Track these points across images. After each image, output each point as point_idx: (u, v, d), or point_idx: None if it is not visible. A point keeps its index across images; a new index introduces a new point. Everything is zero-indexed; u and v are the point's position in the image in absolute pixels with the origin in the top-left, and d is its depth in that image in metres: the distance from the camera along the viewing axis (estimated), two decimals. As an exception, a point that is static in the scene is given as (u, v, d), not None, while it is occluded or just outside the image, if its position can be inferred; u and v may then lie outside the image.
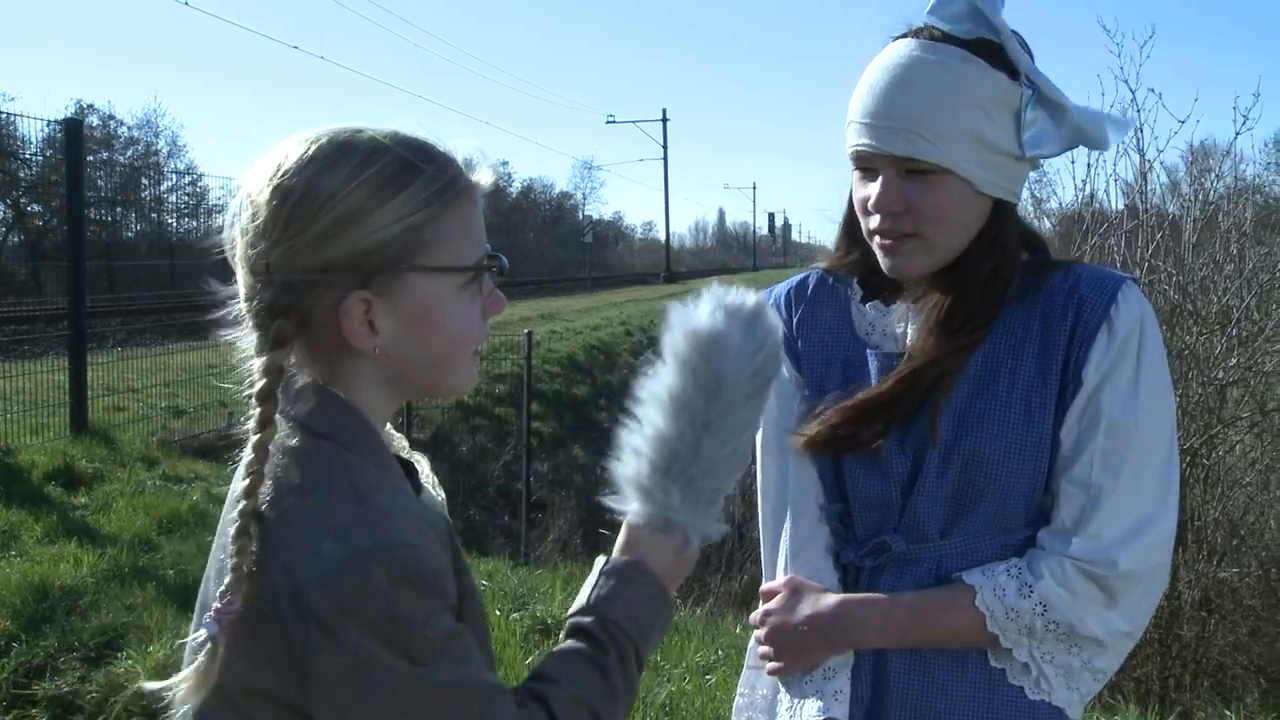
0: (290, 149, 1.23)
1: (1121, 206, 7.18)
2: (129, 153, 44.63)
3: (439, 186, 1.24)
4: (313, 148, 1.23)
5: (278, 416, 1.23)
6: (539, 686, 1.31)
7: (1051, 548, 1.58)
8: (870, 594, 1.68)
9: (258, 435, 1.20)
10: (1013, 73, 1.59)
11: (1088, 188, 6.75)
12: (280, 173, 1.21)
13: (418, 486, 1.39)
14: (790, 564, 1.75)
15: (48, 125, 10.59)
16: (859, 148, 1.62)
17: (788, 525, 1.77)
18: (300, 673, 1.12)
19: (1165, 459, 1.58)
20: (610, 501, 1.48)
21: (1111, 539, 1.54)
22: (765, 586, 1.78)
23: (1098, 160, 6.74)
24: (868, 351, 1.73)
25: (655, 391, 1.45)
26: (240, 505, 1.18)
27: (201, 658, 1.18)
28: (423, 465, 1.46)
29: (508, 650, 4.73)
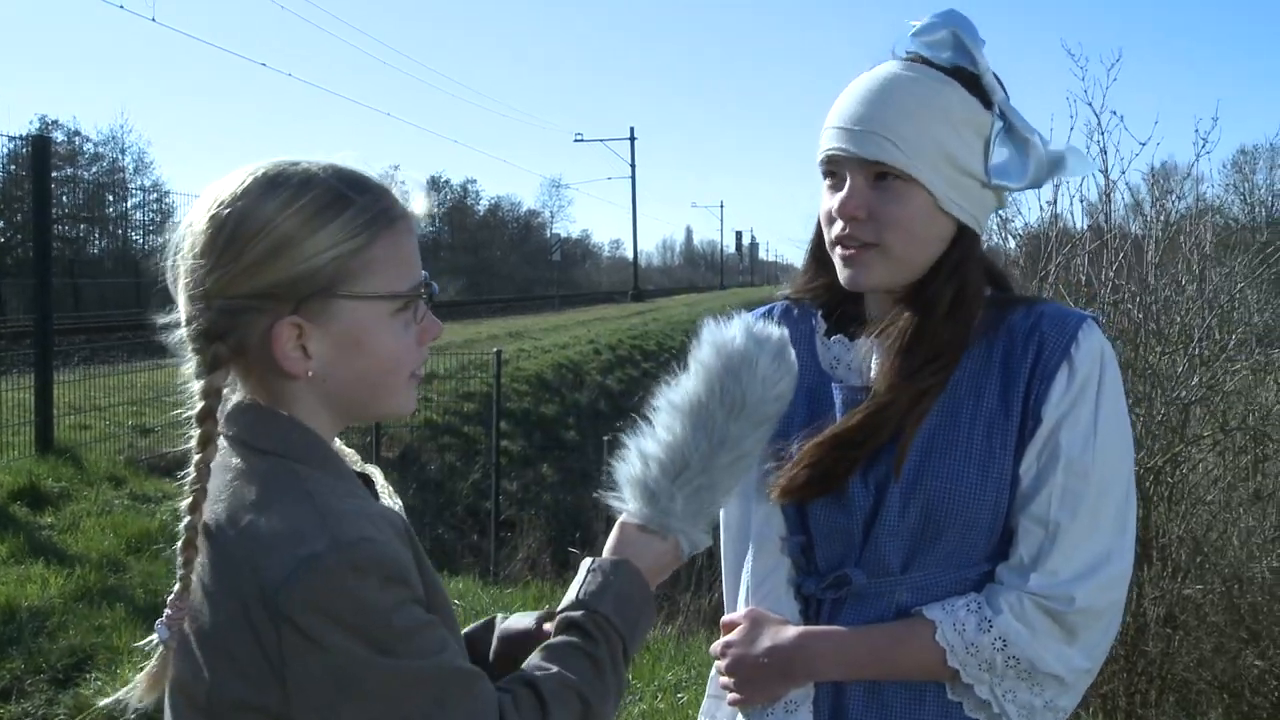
0: (228, 181, 1.30)
1: (1086, 226, 7.28)
2: (94, 169, 44.32)
3: (370, 216, 1.30)
4: (249, 179, 1.29)
5: (223, 439, 1.29)
6: (528, 674, 1.35)
7: (1010, 583, 1.59)
8: (830, 627, 1.69)
9: (199, 455, 1.27)
10: (986, 103, 1.63)
11: (1053, 207, 6.84)
12: (217, 203, 1.28)
13: (374, 496, 1.44)
14: (751, 596, 1.76)
15: (11, 141, 10.45)
16: (829, 152, 1.65)
17: (749, 557, 1.78)
18: (280, 680, 1.17)
19: (1123, 496, 1.61)
20: (610, 500, 1.54)
21: (1069, 575, 1.56)
22: (726, 618, 1.79)
23: (1062, 180, 6.85)
24: (833, 385, 1.74)
25: (675, 401, 1.53)
26: (185, 520, 1.25)
27: (154, 661, 1.29)
28: (377, 477, 1.51)
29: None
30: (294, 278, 1.25)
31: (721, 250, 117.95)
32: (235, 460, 1.28)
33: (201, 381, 1.29)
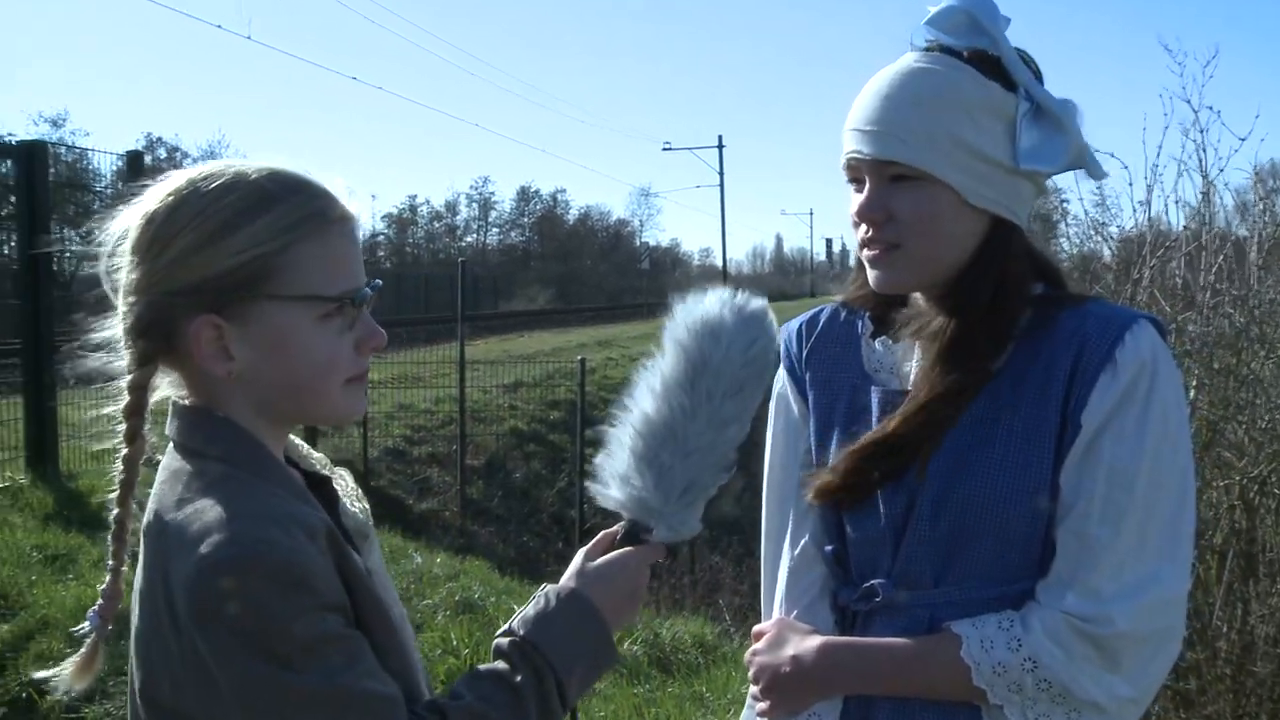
0: (166, 181, 1.30)
1: (1182, 227, 7.02)
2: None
3: (298, 217, 1.27)
4: (183, 179, 1.29)
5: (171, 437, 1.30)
6: (442, 700, 1.29)
7: (1045, 601, 1.50)
8: (854, 638, 1.63)
9: (126, 450, 1.30)
10: (1010, 85, 1.54)
11: (1149, 209, 6.60)
12: (151, 201, 1.28)
13: (333, 498, 1.42)
14: (784, 604, 1.72)
15: (117, 158, 10.73)
16: (847, 156, 1.58)
17: (784, 564, 1.74)
18: (189, 683, 1.17)
19: (1174, 512, 1.49)
20: (592, 491, 1.48)
21: (1109, 595, 1.45)
22: (757, 627, 1.74)
23: (1157, 181, 6.60)
24: (871, 388, 1.68)
25: (647, 380, 1.48)
26: (113, 513, 1.31)
27: (84, 648, 1.33)
28: (345, 479, 1.49)
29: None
30: (214, 275, 1.24)
31: (812, 258, 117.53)
32: (171, 460, 1.29)
33: (129, 376, 1.29)
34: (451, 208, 76.88)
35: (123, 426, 1.31)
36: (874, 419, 1.64)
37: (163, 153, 42.74)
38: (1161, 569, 1.47)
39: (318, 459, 1.48)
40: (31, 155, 7.77)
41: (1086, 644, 1.45)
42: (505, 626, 1.39)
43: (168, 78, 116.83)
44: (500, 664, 1.34)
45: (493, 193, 79.57)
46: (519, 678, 1.31)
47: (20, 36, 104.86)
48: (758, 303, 1.52)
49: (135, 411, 1.30)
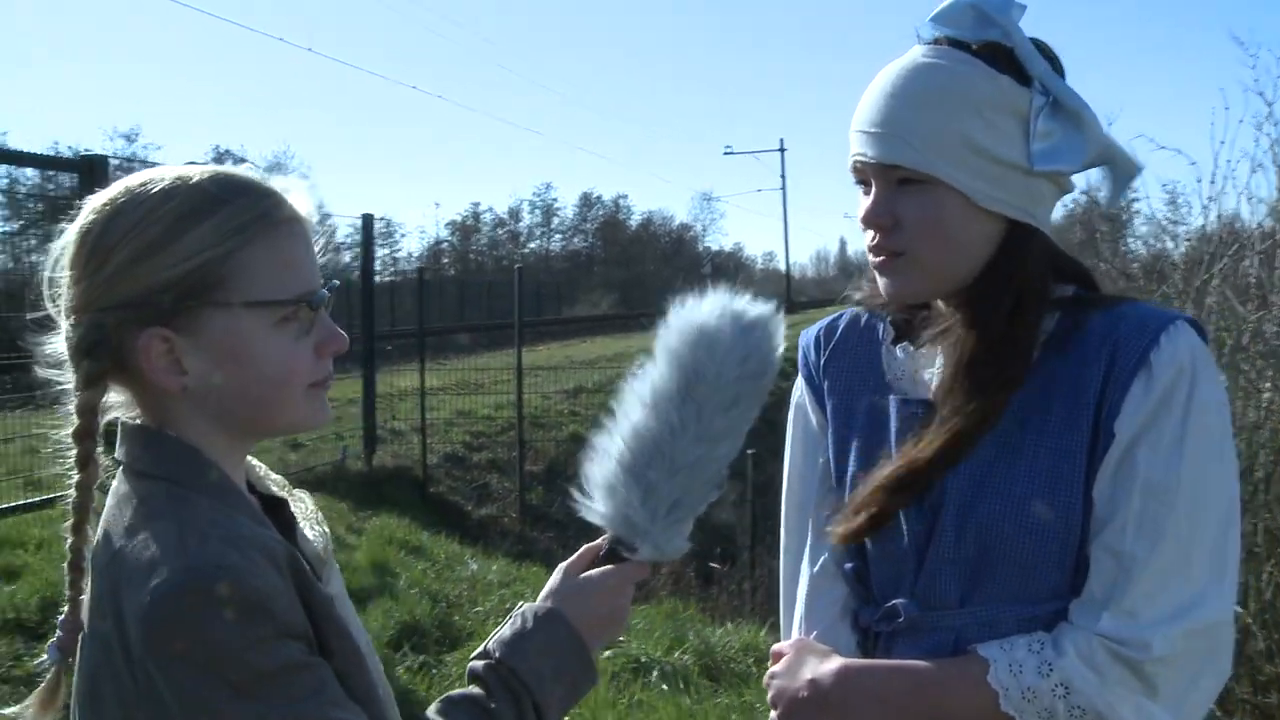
0: (103, 192, 1.23)
1: (1257, 225, 6.78)
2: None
3: (245, 219, 1.20)
4: (120, 187, 1.22)
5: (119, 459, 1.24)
6: None
7: (1079, 622, 1.40)
8: (875, 661, 1.54)
9: (78, 475, 1.23)
10: (1025, 79, 1.43)
11: (1217, 206, 6.38)
12: (86, 214, 1.21)
13: (290, 522, 1.35)
14: (803, 623, 1.64)
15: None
16: (852, 159, 1.50)
17: (803, 582, 1.66)
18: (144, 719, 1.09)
19: (1220, 529, 1.38)
20: (577, 503, 1.42)
21: (1148, 618, 1.35)
22: (775, 647, 1.66)
23: (1227, 176, 6.39)
24: (890, 398, 1.59)
25: (638, 389, 1.41)
26: (68, 541, 1.23)
27: (45, 682, 1.26)
28: (305, 502, 1.42)
29: (593, 692, 4.55)
30: (158, 286, 1.17)
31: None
32: (120, 485, 1.22)
33: (76, 398, 1.22)
34: (514, 214, 77.20)
35: (74, 451, 1.24)
36: (892, 430, 1.56)
37: (230, 164, 43.43)
38: (1206, 590, 1.36)
39: (275, 480, 1.42)
40: (92, 169, 7.86)
41: (1123, 669, 1.35)
42: (480, 648, 1.34)
43: (233, 91, 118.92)
44: (475, 689, 1.30)
45: (555, 199, 79.91)
46: (494, 704, 1.27)
47: (95, 52, 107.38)
48: (759, 309, 1.45)
49: (86, 435, 1.23)
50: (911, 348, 1.59)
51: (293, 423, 1.28)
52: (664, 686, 4.75)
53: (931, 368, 1.55)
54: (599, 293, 63.33)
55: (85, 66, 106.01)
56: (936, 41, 1.48)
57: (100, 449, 1.25)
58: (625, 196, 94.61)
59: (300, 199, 1.27)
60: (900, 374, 1.60)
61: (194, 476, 1.19)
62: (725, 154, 59.66)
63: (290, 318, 1.22)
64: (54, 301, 1.24)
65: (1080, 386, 1.43)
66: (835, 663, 1.53)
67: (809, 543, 1.66)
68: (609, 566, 1.41)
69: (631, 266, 76.31)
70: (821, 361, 1.70)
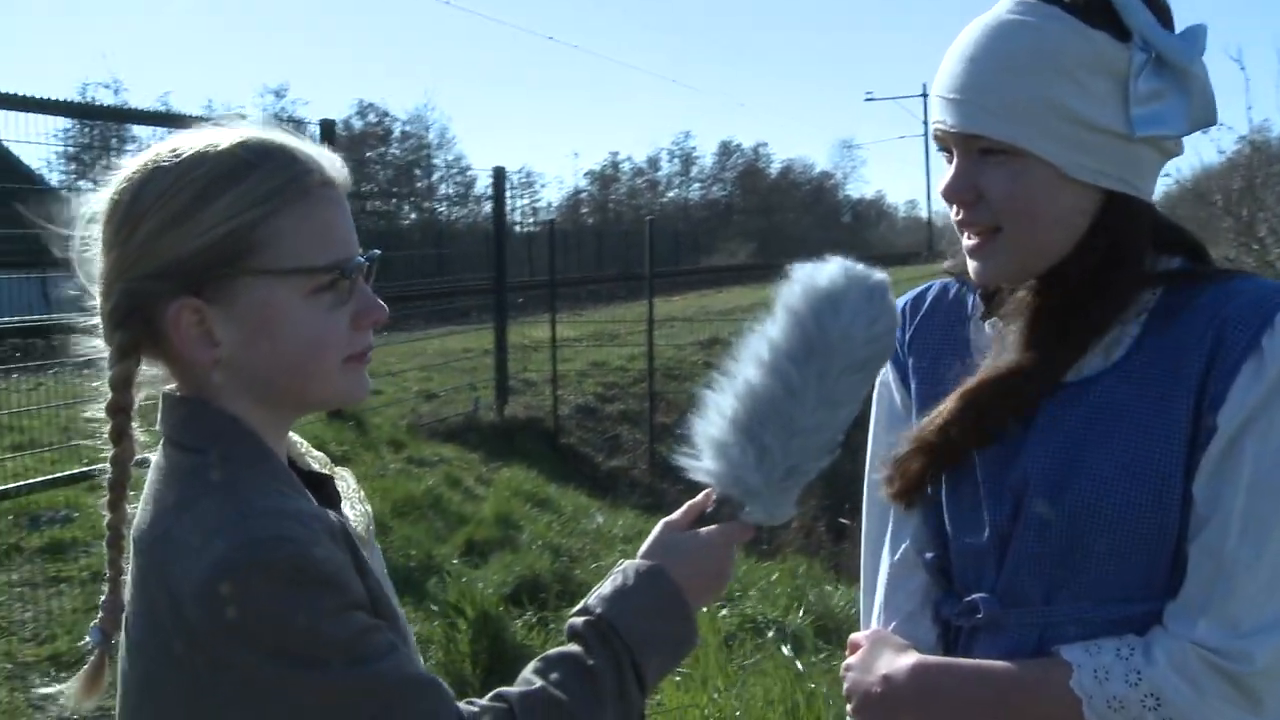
0: (133, 160, 1.20)
1: None
2: (406, 144, 47.18)
3: (276, 184, 1.16)
4: (149, 155, 1.19)
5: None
6: (510, 689, 1.20)
7: (1173, 628, 1.29)
8: (952, 660, 1.45)
9: (113, 450, 1.21)
10: (1124, 33, 1.30)
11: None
12: (118, 182, 1.19)
13: (333, 499, 1.32)
14: (882, 614, 1.55)
15: (315, 126, 11.07)
16: (934, 126, 1.40)
17: (883, 570, 1.57)
18: (211, 702, 1.06)
19: None
20: (683, 461, 1.36)
21: (1250, 627, 1.23)
22: (853, 637, 1.58)
23: None
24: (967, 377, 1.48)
25: (755, 346, 1.35)
26: (106, 519, 1.21)
27: (88, 665, 1.23)
28: (347, 480, 1.39)
29: (704, 653, 4.53)
30: (188, 254, 1.14)
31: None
32: (163, 459, 1.19)
33: (111, 371, 1.19)
34: (653, 163, 77.00)
35: (108, 425, 1.22)
36: None
37: (373, 117, 44.45)
38: None
39: (317, 457, 1.38)
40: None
41: (1221, 681, 1.23)
42: (581, 604, 1.30)
43: (374, 46, 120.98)
44: (574, 646, 1.25)
45: (694, 148, 79.32)
46: (593, 661, 1.22)
47: (245, 14, 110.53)
48: (880, 275, 1.37)
49: (120, 409, 1.20)
50: (1000, 323, 1.48)
51: (328, 397, 1.25)
52: (782, 649, 4.69)
53: (1000, 342, 1.46)
54: (737, 242, 62.95)
55: (237, 30, 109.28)
56: None
57: (136, 423, 1.22)
58: (765, 144, 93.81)
59: (334, 164, 1.23)
60: (987, 350, 1.50)
61: (241, 449, 1.17)
62: (866, 100, 58.60)
63: (325, 287, 1.18)
64: (84, 270, 1.22)
65: (1181, 369, 1.31)
66: (911, 658, 1.45)
67: (890, 529, 1.58)
68: (715, 526, 1.36)
69: (770, 215, 75.53)
70: (907, 337, 1.60)
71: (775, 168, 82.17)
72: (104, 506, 1.22)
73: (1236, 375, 1.27)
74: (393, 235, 33.17)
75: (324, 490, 1.32)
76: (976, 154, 1.35)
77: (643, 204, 72.73)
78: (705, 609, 5.11)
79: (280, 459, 1.23)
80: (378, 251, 1.26)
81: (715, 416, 1.34)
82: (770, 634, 4.88)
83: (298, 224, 1.17)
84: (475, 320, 14.10)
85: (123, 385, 1.20)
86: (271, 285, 1.16)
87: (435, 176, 46.17)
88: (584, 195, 72.92)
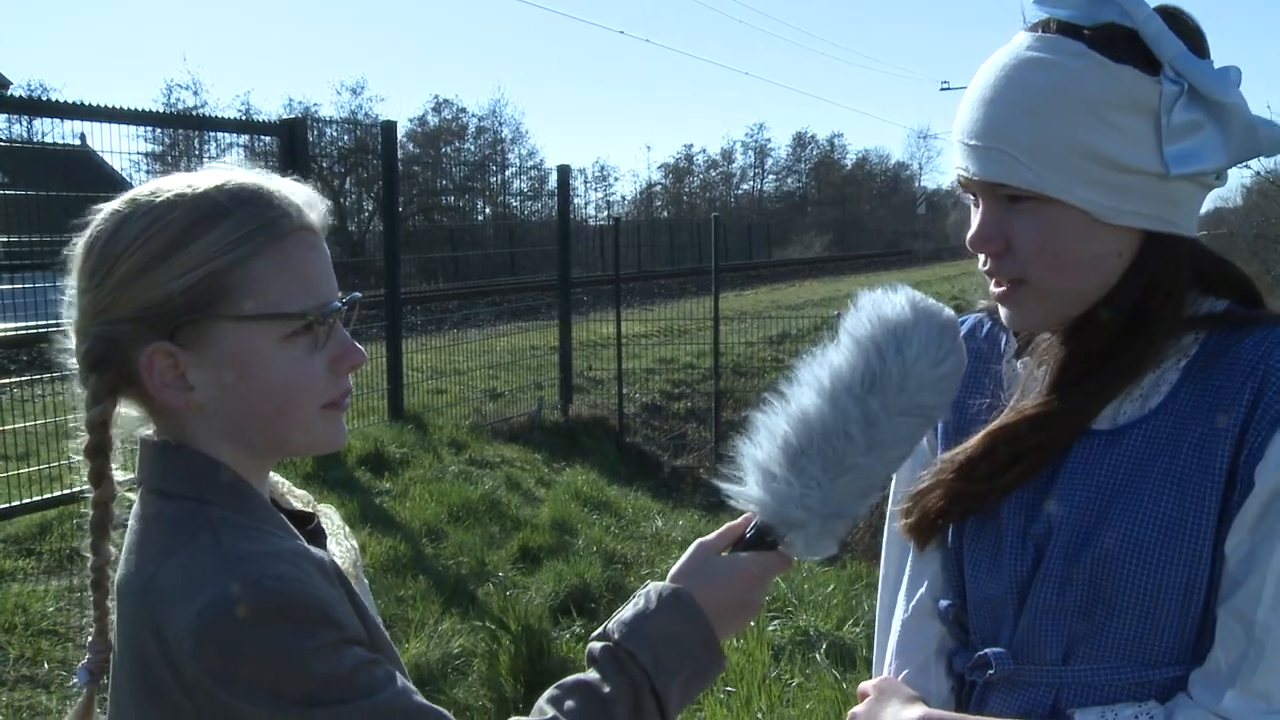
0: (110, 203, 1.20)
1: None
2: (480, 140, 47.52)
3: (250, 229, 1.15)
4: (126, 197, 1.19)
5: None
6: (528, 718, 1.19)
7: (1198, 696, 1.21)
8: (961, 715, 1.38)
9: (93, 492, 1.21)
10: (1153, 65, 1.20)
11: None
12: (96, 224, 1.18)
13: (318, 537, 1.31)
14: (894, 662, 1.49)
15: (377, 129, 11.14)
16: (956, 172, 1.32)
17: (898, 616, 1.51)
18: None
19: None
20: (725, 487, 1.31)
21: None
22: (862, 685, 1.52)
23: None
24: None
25: (814, 371, 1.30)
26: (90, 561, 1.22)
27: (77, 706, 1.26)
28: (331, 517, 1.39)
29: (753, 666, 4.43)
30: (162, 299, 1.14)
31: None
32: (144, 506, 1.18)
33: (88, 414, 1.19)
34: (727, 155, 76.74)
35: (87, 468, 1.22)
36: None
37: (448, 114, 44.75)
38: None
39: (299, 496, 1.38)
40: (293, 131, 8.15)
41: None
42: (601, 629, 1.27)
43: (447, 43, 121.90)
44: (591, 673, 1.23)
45: (768, 139, 79.17)
46: (608, 688, 1.20)
47: (324, 14, 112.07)
48: (950, 313, 1.32)
49: (98, 451, 1.20)
50: (1032, 362, 1.41)
51: (304, 444, 1.23)
52: (833, 671, 4.59)
53: (1029, 382, 1.39)
54: (812, 234, 62.47)
55: (313, 23, 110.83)
56: (1044, 26, 1.27)
57: (116, 465, 1.23)
58: (840, 135, 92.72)
59: (312, 208, 1.22)
60: (1018, 389, 1.43)
61: (225, 492, 1.16)
62: (942, 89, 57.67)
63: (301, 331, 1.17)
64: (66, 310, 1.22)
65: (1219, 420, 1.23)
66: (917, 711, 1.38)
67: (907, 574, 1.52)
68: (751, 553, 1.32)
69: (846, 207, 74.92)
70: None
71: (850, 159, 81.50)
72: (86, 549, 1.22)
73: (1277, 429, 1.19)
74: (466, 232, 33.46)
75: (308, 528, 1.31)
76: (1004, 200, 1.28)
77: (716, 196, 72.55)
78: (753, 623, 5.03)
79: (264, 499, 1.22)
80: (358, 294, 1.25)
81: (765, 441, 1.30)
82: (823, 647, 4.77)
83: (273, 269, 1.16)
84: (545, 317, 14.13)
85: (100, 427, 1.19)
86: (246, 330, 1.15)
87: (509, 172, 46.43)
88: (657, 188, 72.89)
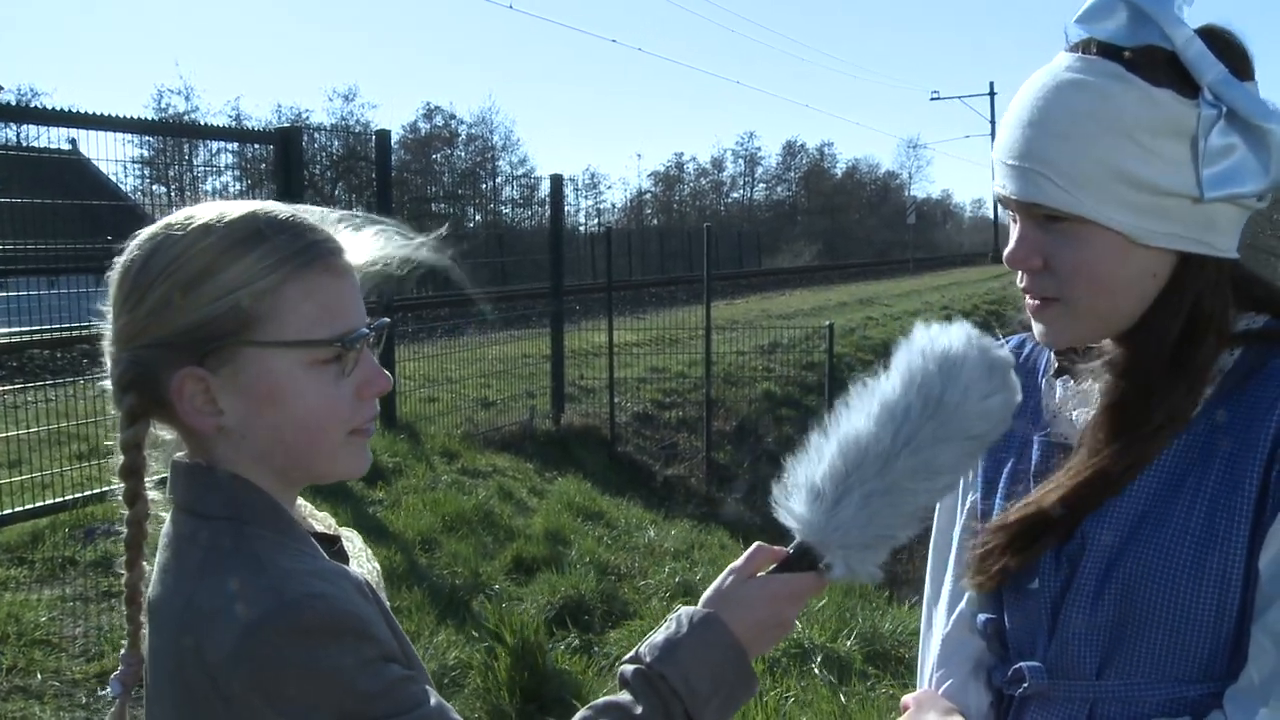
0: (149, 226, 1.22)
1: None
2: (470, 147, 47.51)
3: (282, 256, 1.18)
4: (161, 224, 1.21)
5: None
6: None
7: (1233, 715, 1.21)
8: None
9: (129, 510, 1.24)
10: (1190, 88, 1.21)
11: None
12: (132, 248, 1.21)
13: (342, 559, 1.33)
14: (935, 676, 1.53)
15: (371, 136, 11.11)
16: (996, 190, 1.34)
17: (938, 631, 1.55)
18: None
19: None
20: (775, 506, 1.32)
21: None
22: (905, 698, 1.55)
23: None
24: (1035, 437, 1.43)
25: (866, 397, 1.33)
26: (125, 577, 1.25)
27: (109, 717, 1.28)
28: (353, 540, 1.41)
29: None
30: (193, 324, 1.16)
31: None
32: (177, 526, 1.20)
33: (121, 435, 1.22)
34: (718, 164, 76.84)
35: (121, 488, 1.25)
36: (1031, 472, 1.42)
37: (439, 121, 44.76)
38: None
39: (320, 519, 1.39)
40: (287, 140, 8.13)
41: None
42: (632, 652, 1.29)
43: (439, 50, 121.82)
44: (623, 695, 1.25)
45: (759, 148, 79.21)
46: (640, 710, 1.22)
47: (317, 19, 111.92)
48: (1005, 352, 1.33)
49: (132, 472, 1.23)
50: (1072, 382, 1.43)
51: (331, 471, 1.25)
52: (830, 678, 4.59)
53: (1085, 407, 1.40)
54: (802, 243, 62.59)
55: (305, 25, 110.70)
56: (1085, 47, 1.28)
57: (151, 485, 1.25)
58: (830, 144, 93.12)
59: (343, 236, 1.25)
60: (1057, 411, 1.45)
61: (254, 511, 1.18)
62: (932, 99, 57.84)
63: (329, 359, 1.20)
64: (102, 334, 1.25)
65: (1252, 437, 1.24)
66: None
67: (947, 589, 1.55)
68: (788, 574, 1.33)
69: (836, 216, 75.05)
70: None
71: (840, 168, 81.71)
72: (121, 566, 1.26)
73: None
74: (456, 240, 33.50)
75: (332, 550, 1.33)
76: (1041, 219, 1.29)
77: (707, 205, 72.59)
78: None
79: (296, 521, 1.25)
80: (386, 320, 1.27)
81: (814, 460, 1.31)
82: (818, 659, 4.77)
83: (303, 296, 1.18)
84: (537, 325, 14.11)
85: (134, 448, 1.22)
86: (276, 357, 1.17)
87: (499, 179, 46.45)
88: (648, 196, 72.94)
